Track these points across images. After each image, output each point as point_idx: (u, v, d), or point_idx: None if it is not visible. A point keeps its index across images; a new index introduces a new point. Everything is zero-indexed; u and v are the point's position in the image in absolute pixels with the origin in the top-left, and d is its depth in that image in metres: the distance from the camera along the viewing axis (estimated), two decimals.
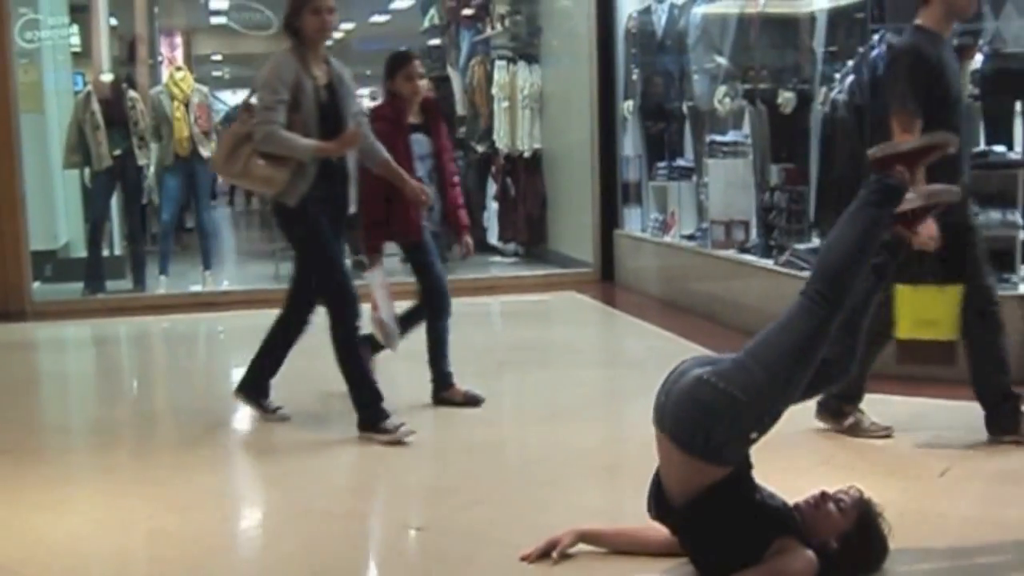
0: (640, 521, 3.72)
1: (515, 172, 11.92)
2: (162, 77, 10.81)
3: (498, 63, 11.84)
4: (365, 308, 5.84)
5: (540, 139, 11.78)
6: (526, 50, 11.97)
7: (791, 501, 3.53)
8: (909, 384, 5.98)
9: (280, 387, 6.00)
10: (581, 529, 3.79)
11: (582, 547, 3.79)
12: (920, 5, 4.86)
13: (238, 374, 7.78)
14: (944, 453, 4.85)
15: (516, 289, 10.48)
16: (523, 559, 3.71)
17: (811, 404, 5.82)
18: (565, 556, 3.73)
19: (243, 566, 4.03)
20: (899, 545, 3.58)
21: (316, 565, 3.86)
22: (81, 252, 10.98)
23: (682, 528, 3.49)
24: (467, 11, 12.91)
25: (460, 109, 12.69)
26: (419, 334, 6.20)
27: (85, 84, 10.84)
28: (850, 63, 7.08)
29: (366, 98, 13.44)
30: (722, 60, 8.89)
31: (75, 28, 11.56)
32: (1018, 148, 6.48)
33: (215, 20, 16.55)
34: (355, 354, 5.60)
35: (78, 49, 11.65)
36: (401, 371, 6.51)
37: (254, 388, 5.98)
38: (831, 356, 3.62)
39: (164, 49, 15.84)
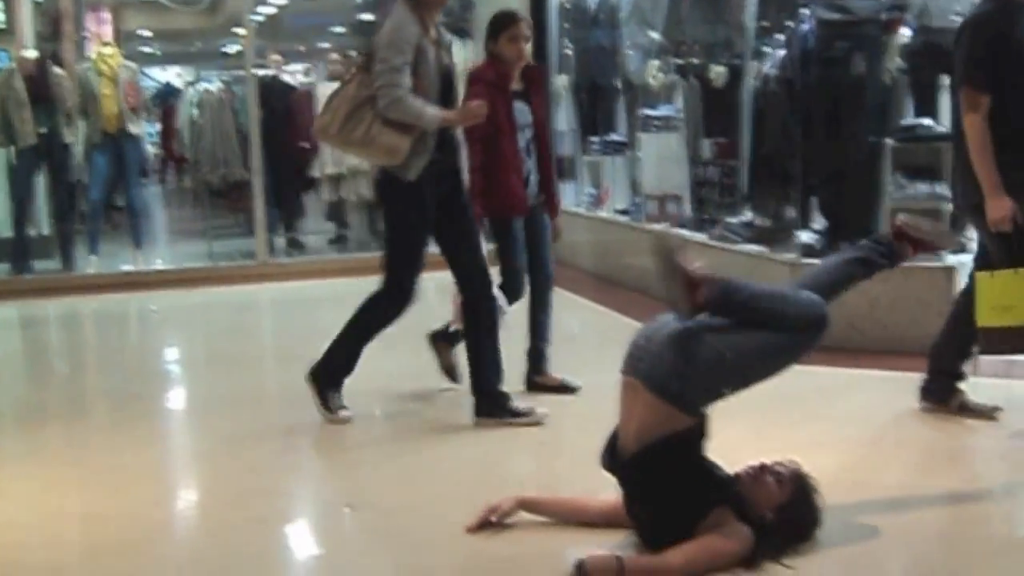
0: (577, 492, 3.74)
1: None
2: (89, 53, 10.59)
3: None
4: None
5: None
6: (459, 25, 11.89)
7: (731, 470, 3.56)
8: (838, 355, 6.06)
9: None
10: (521, 497, 3.82)
11: (522, 516, 3.81)
12: None
13: (171, 354, 7.76)
14: (877, 423, 4.91)
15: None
16: (468, 531, 3.72)
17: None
18: (504, 525, 3.75)
19: (178, 547, 4.00)
20: (832, 516, 3.63)
21: (251, 544, 3.84)
22: (6, 232, 10.77)
23: (629, 480, 3.50)
24: None
25: None
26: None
27: (9, 61, 10.61)
28: (781, 38, 7.13)
29: (300, 74, 13.30)
30: (655, 35, 8.91)
31: None
32: (945, 122, 6.55)
33: None
34: (361, 344, 5.40)
35: (2, 25, 11.40)
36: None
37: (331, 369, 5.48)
38: None
39: (91, 24, 15.53)
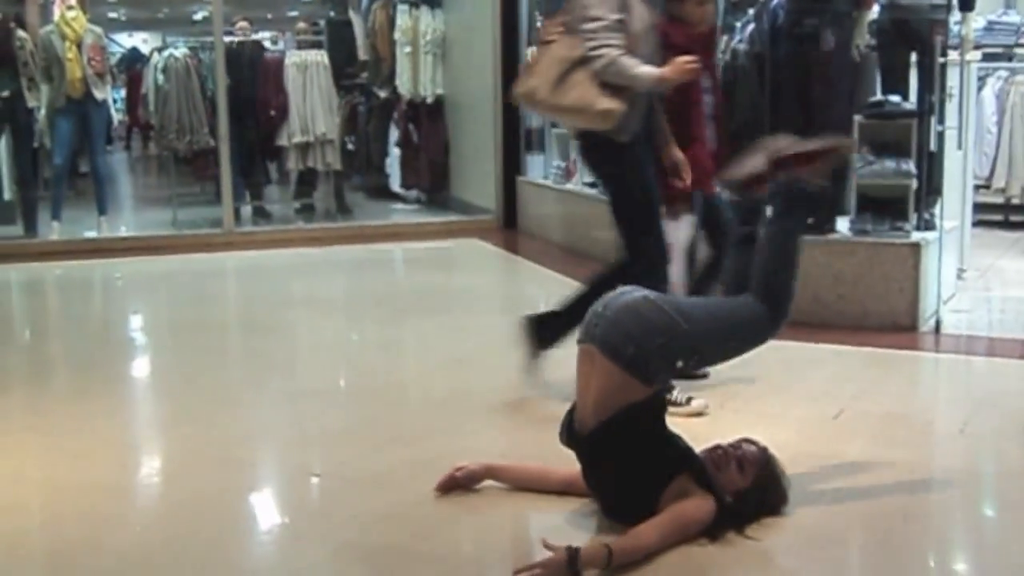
0: (540, 462, 3.75)
1: (417, 118, 11.83)
2: (53, 16, 10.45)
3: (400, 7, 11.70)
4: None
5: (442, 85, 11.70)
6: None
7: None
8: (801, 329, 6.10)
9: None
10: (487, 464, 3.84)
11: (488, 484, 3.82)
12: None
13: (136, 321, 7.71)
14: (839, 397, 4.94)
15: (418, 236, 10.44)
16: (436, 491, 3.78)
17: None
18: (472, 491, 3.78)
19: (139, 514, 3.98)
20: (793, 489, 3.66)
21: (215, 512, 3.82)
22: None
23: (589, 454, 3.50)
24: None
25: (362, 54, 12.54)
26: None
27: None
28: (751, 12, 7.13)
29: (267, 42, 13.18)
30: None
31: None
32: (913, 98, 6.58)
33: None
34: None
35: None
36: None
37: (547, 329, 5.03)
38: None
39: None
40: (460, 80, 11.60)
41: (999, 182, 9.98)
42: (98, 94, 9.98)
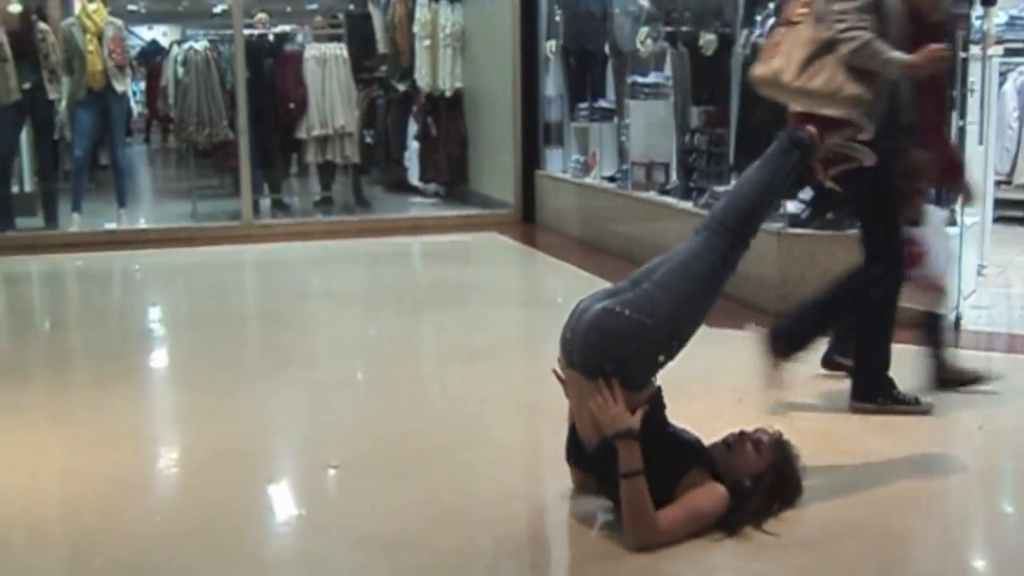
0: (557, 458, 3.75)
1: (436, 111, 11.83)
2: (74, 8, 10.48)
3: (419, 1, 11.69)
4: None
5: (461, 78, 11.69)
6: None
7: (708, 441, 3.57)
8: None
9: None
10: None
11: (502, 476, 3.81)
12: None
13: (155, 312, 7.74)
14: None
15: (437, 229, 10.45)
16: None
17: (728, 342, 5.91)
18: (488, 484, 3.76)
19: (157, 505, 4.00)
20: (812, 484, 3.65)
21: (232, 504, 3.84)
22: None
23: (600, 469, 3.49)
24: None
25: (381, 47, 12.55)
26: None
27: None
28: (771, 5, 7.11)
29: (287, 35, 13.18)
30: (644, 2, 8.88)
31: None
32: None
33: None
34: (885, 318, 4.69)
35: None
36: None
37: (786, 342, 4.77)
38: None
39: None
40: (479, 74, 11.59)
41: (1020, 178, 9.92)
42: (118, 86, 10.01)
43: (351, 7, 13.75)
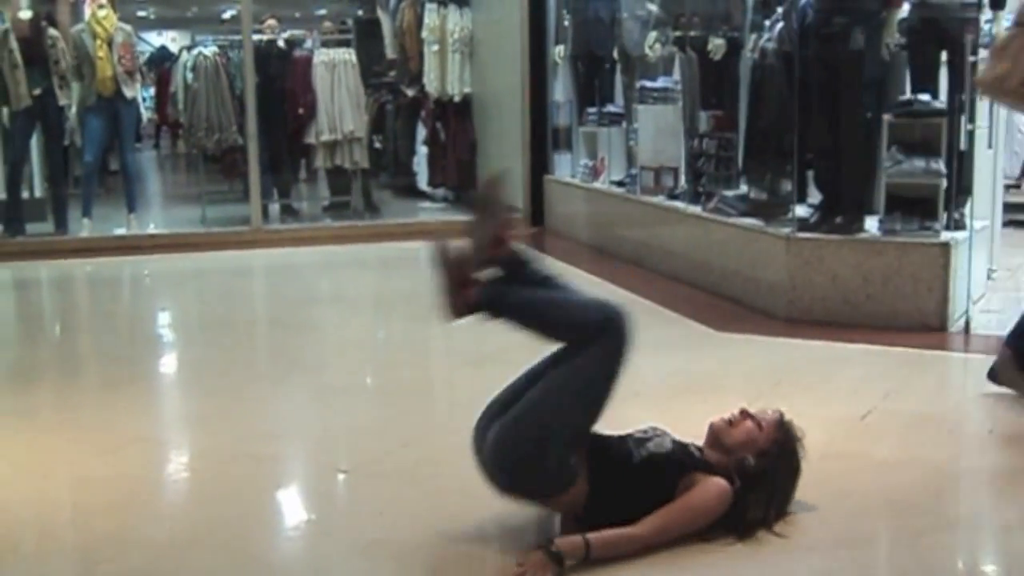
0: None
1: (445, 117, 11.83)
2: (84, 15, 10.52)
3: (428, 6, 11.71)
4: None
5: (470, 83, 11.70)
6: None
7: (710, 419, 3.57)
8: (830, 329, 6.08)
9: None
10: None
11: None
12: None
13: (163, 318, 7.76)
14: (868, 398, 4.92)
15: (445, 234, 10.42)
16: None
17: (737, 346, 5.91)
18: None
19: (166, 509, 4.00)
20: (821, 489, 3.65)
21: (241, 508, 3.84)
22: (0, 194, 10.74)
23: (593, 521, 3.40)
24: None
25: (390, 52, 12.56)
26: None
27: (3, 22, 10.54)
28: (780, 10, 7.11)
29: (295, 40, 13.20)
30: (653, 6, 8.89)
31: None
32: (943, 97, 6.54)
33: None
34: None
35: None
36: None
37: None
38: None
39: None
40: (488, 79, 11.60)
41: None
42: (128, 92, 10.04)
43: (360, 12, 13.77)
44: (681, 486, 3.37)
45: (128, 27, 10.30)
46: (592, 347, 3.33)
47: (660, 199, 8.37)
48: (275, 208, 11.32)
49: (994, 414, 4.74)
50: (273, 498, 4.06)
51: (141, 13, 19.43)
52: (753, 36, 7.51)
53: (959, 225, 6.46)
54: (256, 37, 10.86)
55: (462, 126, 11.82)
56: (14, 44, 9.55)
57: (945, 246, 6.14)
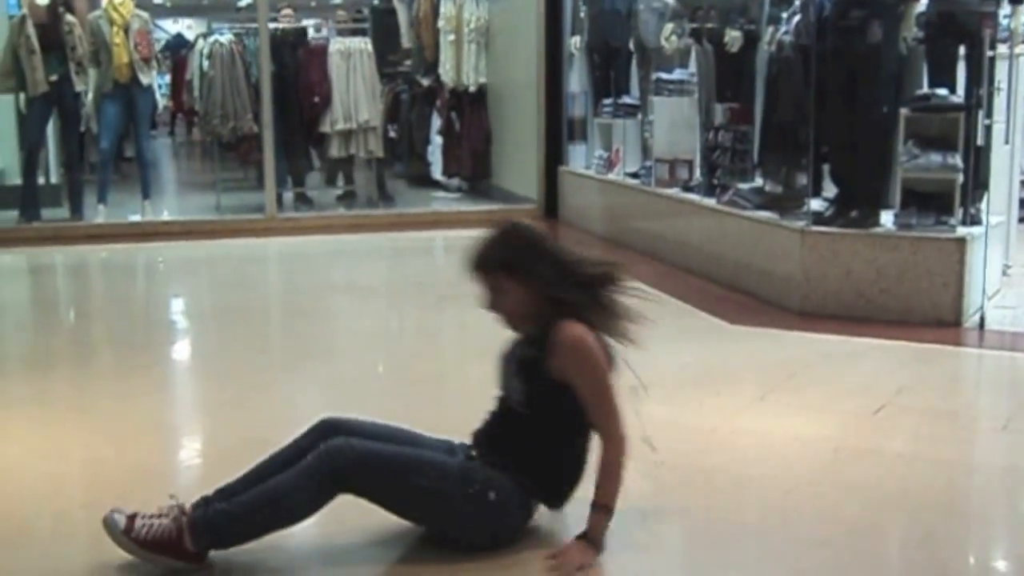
0: None
1: (460, 106, 11.83)
2: (101, 1, 10.54)
3: None
4: None
5: (486, 74, 11.70)
6: None
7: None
8: (844, 323, 6.07)
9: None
10: None
11: None
12: None
13: (177, 304, 7.78)
14: (880, 392, 4.91)
15: (459, 224, 10.42)
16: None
17: (750, 339, 5.91)
18: None
19: (180, 495, 3.99)
20: (834, 483, 3.64)
21: None
22: (16, 179, 10.77)
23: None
24: None
25: (406, 42, 12.56)
26: None
27: (21, 8, 10.56)
28: (797, 3, 7.08)
29: (311, 29, 13.22)
30: None
31: None
32: (960, 92, 6.52)
33: None
34: None
35: None
36: None
37: None
38: None
39: None
40: (503, 69, 11.60)
41: None
42: (144, 79, 10.06)
43: (376, 2, 13.77)
44: (554, 373, 3.27)
45: (145, 14, 10.31)
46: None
47: (675, 191, 8.36)
48: (289, 196, 11.33)
49: (1009, 410, 4.73)
50: None
51: (158, 0, 19.45)
52: (770, 29, 7.48)
53: (975, 220, 6.44)
54: (272, 25, 10.87)
55: (477, 116, 11.82)
56: (31, 30, 9.57)
57: (961, 241, 6.12)
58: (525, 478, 3.31)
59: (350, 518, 3.51)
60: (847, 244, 6.34)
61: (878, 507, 3.68)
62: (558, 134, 10.77)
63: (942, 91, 6.42)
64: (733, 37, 7.77)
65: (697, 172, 8.35)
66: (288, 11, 11.48)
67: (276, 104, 10.47)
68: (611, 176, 9.62)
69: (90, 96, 10.29)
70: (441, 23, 11.66)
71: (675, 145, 8.57)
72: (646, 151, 9.11)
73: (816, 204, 6.76)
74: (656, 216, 8.53)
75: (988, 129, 6.54)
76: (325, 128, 11.00)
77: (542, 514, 3.46)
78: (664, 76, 8.72)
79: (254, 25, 11.19)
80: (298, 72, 11.00)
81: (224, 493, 3.32)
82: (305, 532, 3.59)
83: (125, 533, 3.23)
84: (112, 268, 9.11)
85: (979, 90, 6.42)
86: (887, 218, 6.45)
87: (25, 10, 9.94)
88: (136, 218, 10.37)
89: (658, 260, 8.17)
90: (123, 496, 3.82)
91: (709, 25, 8.18)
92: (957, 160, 6.21)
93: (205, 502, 3.30)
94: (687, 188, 8.31)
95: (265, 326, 6.93)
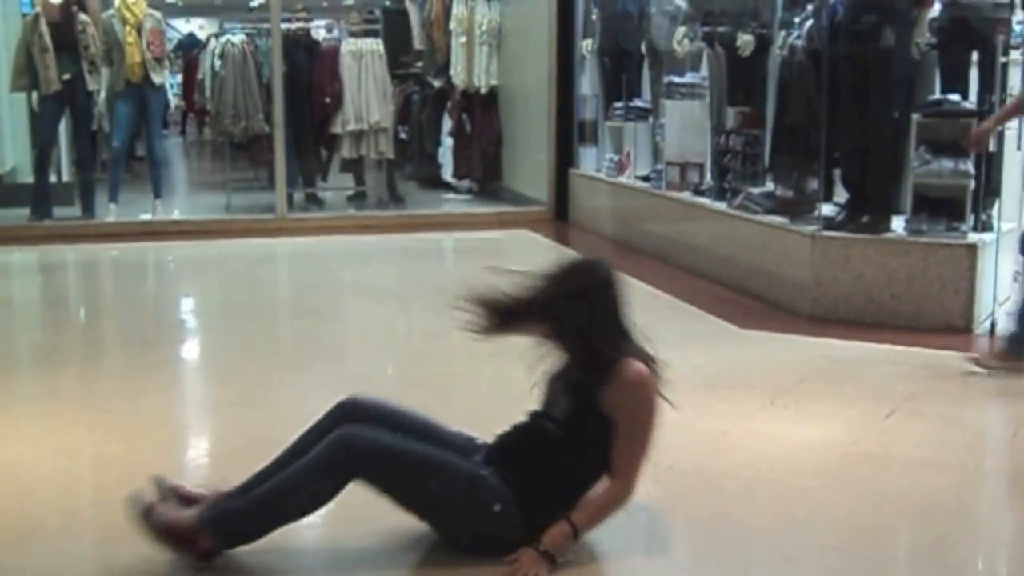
0: None
1: (471, 108, 11.83)
2: (114, 1, 10.57)
3: None
4: None
5: (497, 75, 11.70)
6: None
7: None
8: (855, 328, 6.06)
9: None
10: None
11: None
12: None
13: (187, 304, 7.79)
14: (890, 397, 4.90)
15: (469, 226, 10.46)
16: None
17: (760, 344, 5.90)
18: None
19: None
20: (843, 488, 3.64)
21: None
22: (28, 177, 10.80)
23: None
24: None
25: (417, 43, 12.57)
26: None
27: (33, 6, 10.59)
28: (809, 8, 7.08)
29: (323, 30, 13.23)
30: (681, 2, 8.86)
31: None
32: (973, 97, 6.51)
33: None
34: None
35: None
36: None
37: None
38: None
39: None
40: (515, 71, 11.60)
41: None
42: (156, 78, 10.08)
43: (388, 3, 13.77)
44: (604, 404, 3.25)
45: (157, 13, 10.33)
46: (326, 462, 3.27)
47: (686, 195, 8.35)
48: (299, 196, 11.34)
49: (1018, 416, 4.72)
50: None
51: (170, 0, 19.48)
52: (782, 33, 7.47)
53: (986, 227, 6.43)
54: (284, 26, 10.88)
55: (488, 118, 11.82)
56: (44, 28, 9.60)
57: (972, 247, 6.11)
58: (530, 497, 3.28)
59: (357, 521, 3.52)
60: (858, 249, 6.34)
61: (887, 512, 3.67)
62: (569, 137, 10.78)
63: (954, 97, 6.41)
64: (745, 41, 7.77)
65: (708, 176, 8.34)
66: (302, 15, 11.50)
67: (287, 104, 10.49)
68: (622, 179, 9.62)
69: (102, 95, 10.32)
70: (453, 25, 11.67)
71: (686, 149, 8.56)
72: (657, 154, 9.11)
73: (827, 209, 6.75)
74: (667, 220, 8.53)
75: (1000, 135, 6.53)
76: (336, 129, 11.01)
77: None
78: (676, 79, 8.72)
79: (266, 25, 11.21)
80: (310, 73, 11.01)
81: (241, 489, 3.33)
82: (310, 534, 3.59)
83: (144, 515, 3.24)
84: (123, 267, 9.13)
85: (991, 96, 6.41)
86: (898, 223, 6.44)
87: (38, 9, 9.97)
88: (147, 217, 10.38)
89: (668, 263, 8.16)
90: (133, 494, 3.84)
91: (721, 29, 8.18)
92: (969, 166, 6.20)
93: (226, 498, 3.31)
94: (698, 192, 8.30)
95: (275, 326, 6.93)
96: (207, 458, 4.44)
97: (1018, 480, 4.13)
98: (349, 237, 9.87)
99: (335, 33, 12.42)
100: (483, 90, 11.63)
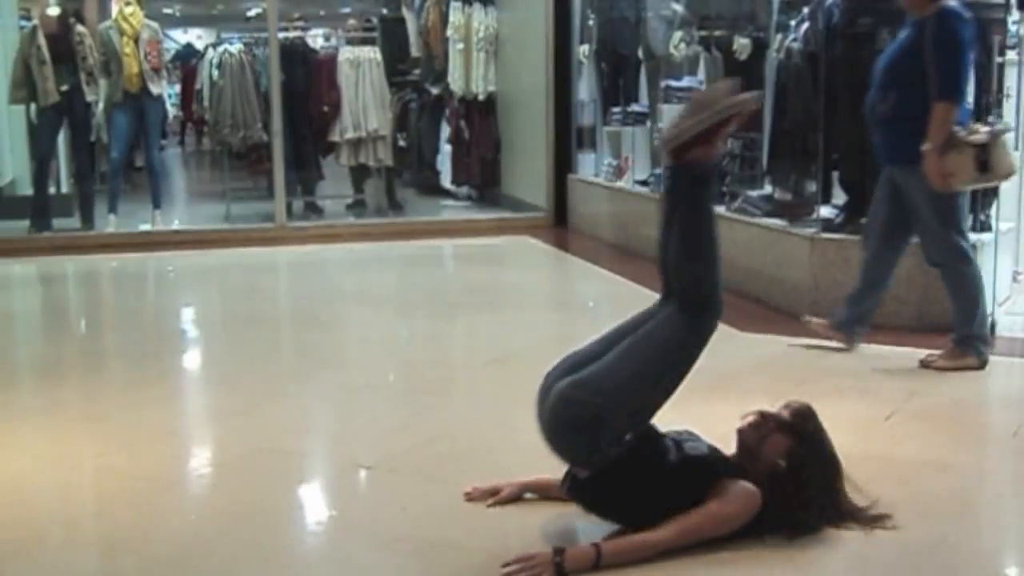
0: None
1: (469, 115, 11.85)
2: (111, 12, 10.58)
3: (453, 4, 11.73)
4: None
5: (495, 82, 11.72)
6: None
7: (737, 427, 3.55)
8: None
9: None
10: (524, 481, 3.77)
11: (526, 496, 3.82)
12: None
13: (187, 314, 7.80)
14: (891, 398, 4.90)
15: (469, 232, 10.47)
16: (467, 497, 3.73)
17: (762, 346, 5.90)
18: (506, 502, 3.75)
19: (190, 503, 4.03)
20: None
21: (264, 503, 3.86)
22: (27, 189, 10.82)
23: (595, 505, 3.44)
24: None
25: (415, 50, 12.59)
26: None
27: (32, 18, 10.61)
28: (806, 11, 7.09)
29: (320, 38, 13.26)
30: (678, 6, 8.88)
31: None
32: (969, 98, 6.50)
33: None
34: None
35: None
36: None
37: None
38: None
39: None
40: (512, 77, 11.61)
41: None
42: (154, 89, 10.09)
43: (384, 11, 13.80)
44: (711, 492, 3.34)
45: (155, 24, 10.35)
46: (683, 318, 3.37)
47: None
48: (298, 205, 11.35)
49: (1019, 416, 4.72)
50: (296, 493, 4.07)
51: (167, 10, 19.49)
52: (779, 36, 7.48)
53: (984, 227, 6.43)
54: (281, 35, 10.90)
55: (486, 124, 11.84)
56: (42, 40, 9.62)
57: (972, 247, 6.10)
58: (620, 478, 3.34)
59: (358, 523, 3.52)
60: (857, 251, 6.33)
61: (888, 513, 3.67)
62: (567, 142, 10.79)
63: None
64: (742, 45, 7.78)
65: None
66: (299, 24, 11.52)
67: (285, 113, 10.50)
68: (620, 184, 9.63)
69: (100, 106, 10.34)
70: (450, 32, 11.69)
71: None
72: (655, 159, 9.11)
73: (826, 211, 6.75)
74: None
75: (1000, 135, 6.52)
76: (335, 137, 11.03)
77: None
78: (673, 84, 8.72)
79: (264, 34, 11.22)
80: (308, 81, 11.02)
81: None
82: (312, 538, 3.60)
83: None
84: (122, 277, 9.14)
85: (988, 96, 6.41)
86: None
87: (36, 21, 10.00)
88: (146, 228, 10.40)
89: None
90: (136, 504, 3.85)
91: (718, 33, 8.20)
92: None
93: None
94: None
95: (275, 335, 6.94)
96: (209, 467, 4.44)
97: (1019, 480, 4.13)
98: (348, 245, 9.87)
99: (332, 41, 12.44)
100: (481, 97, 11.65)
